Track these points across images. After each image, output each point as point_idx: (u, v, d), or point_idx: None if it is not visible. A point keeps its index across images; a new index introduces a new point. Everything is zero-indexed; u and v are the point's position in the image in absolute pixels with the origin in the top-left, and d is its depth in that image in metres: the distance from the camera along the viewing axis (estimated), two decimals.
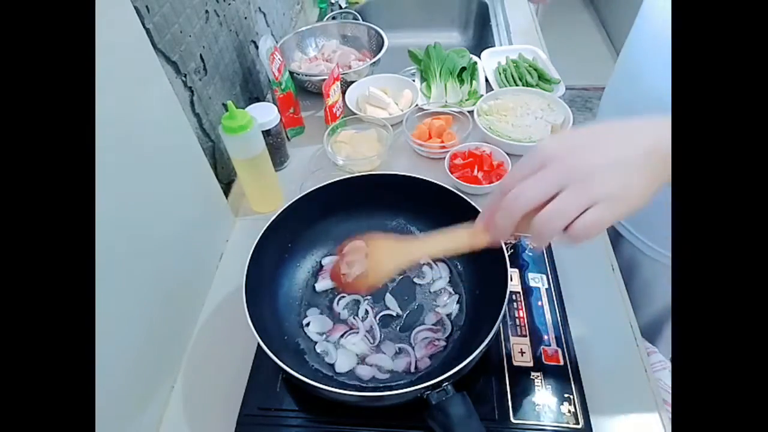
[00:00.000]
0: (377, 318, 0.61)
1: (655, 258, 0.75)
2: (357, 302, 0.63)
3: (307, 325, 0.61)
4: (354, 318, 0.61)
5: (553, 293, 0.64)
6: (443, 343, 0.58)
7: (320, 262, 0.67)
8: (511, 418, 0.52)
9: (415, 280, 0.65)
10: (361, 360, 0.57)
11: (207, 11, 0.76)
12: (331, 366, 0.57)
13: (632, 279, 0.78)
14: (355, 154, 0.85)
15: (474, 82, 1.01)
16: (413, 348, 0.58)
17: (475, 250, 0.42)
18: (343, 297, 0.63)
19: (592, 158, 0.33)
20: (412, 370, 0.56)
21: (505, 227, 0.36)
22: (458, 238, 0.44)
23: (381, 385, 0.55)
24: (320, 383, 0.46)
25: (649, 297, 0.78)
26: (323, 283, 0.65)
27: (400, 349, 0.58)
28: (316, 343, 0.59)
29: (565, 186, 0.33)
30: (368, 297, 0.63)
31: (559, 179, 0.33)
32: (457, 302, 0.62)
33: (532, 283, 0.65)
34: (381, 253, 0.50)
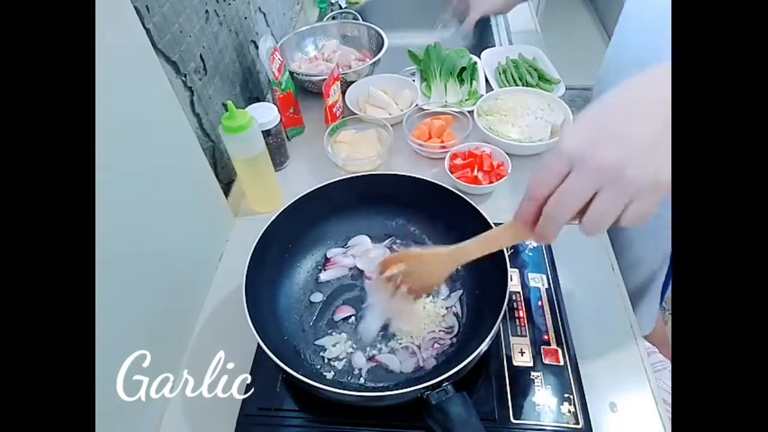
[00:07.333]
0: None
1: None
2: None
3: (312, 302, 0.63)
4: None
5: (553, 293, 0.64)
6: (449, 342, 0.58)
7: (325, 254, 0.68)
8: (511, 418, 0.52)
9: None
10: (369, 358, 0.58)
11: (207, 11, 0.76)
12: (331, 361, 0.57)
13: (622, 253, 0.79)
14: (355, 154, 0.85)
15: (474, 82, 1.01)
16: (419, 348, 0.58)
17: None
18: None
19: (617, 151, 0.33)
20: (420, 365, 0.56)
21: (554, 233, 0.38)
22: (502, 239, 0.45)
23: (381, 385, 0.55)
24: (320, 383, 0.46)
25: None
26: (328, 273, 0.65)
27: (405, 347, 0.58)
28: (318, 339, 0.59)
29: (600, 188, 0.34)
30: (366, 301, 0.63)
31: (593, 183, 0.34)
32: (458, 302, 0.62)
33: (532, 283, 0.65)
34: (424, 267, 0.51)
